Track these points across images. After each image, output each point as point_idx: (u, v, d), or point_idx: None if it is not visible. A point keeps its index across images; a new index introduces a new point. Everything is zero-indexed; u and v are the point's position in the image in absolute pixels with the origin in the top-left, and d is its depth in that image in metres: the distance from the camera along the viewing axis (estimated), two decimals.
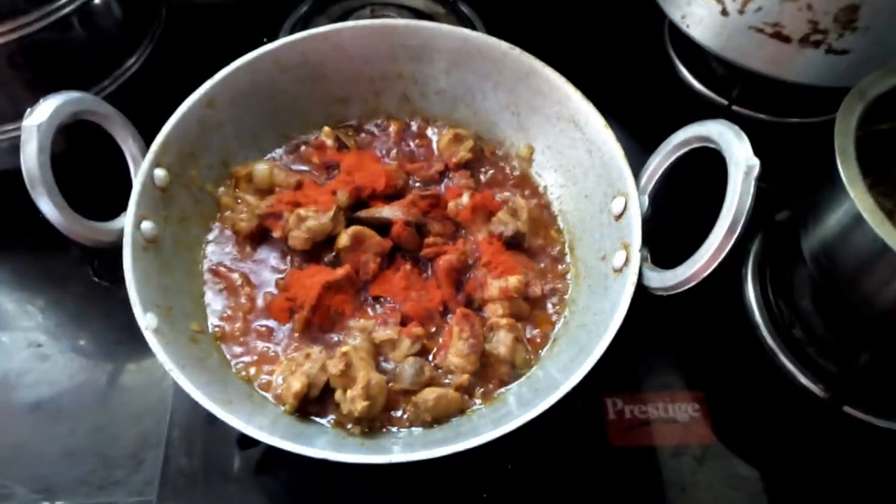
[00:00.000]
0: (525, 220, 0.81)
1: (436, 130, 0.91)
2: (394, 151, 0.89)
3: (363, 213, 0.81)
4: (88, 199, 0.74)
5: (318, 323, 0.75)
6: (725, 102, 0.96)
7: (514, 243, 0.80)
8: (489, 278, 0.76)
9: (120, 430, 0.77)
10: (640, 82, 1.04)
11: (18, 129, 0.69)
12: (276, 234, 0.79)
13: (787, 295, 0.83)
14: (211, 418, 0.62)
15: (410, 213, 0.80)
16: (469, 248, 0.79)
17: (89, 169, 0.84)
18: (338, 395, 0.69)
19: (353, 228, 0.78)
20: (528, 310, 0.77)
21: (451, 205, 0.82)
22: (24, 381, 0.80)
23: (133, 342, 0.67)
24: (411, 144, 0.90)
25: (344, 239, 0.77)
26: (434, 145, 0.90)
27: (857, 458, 0.76)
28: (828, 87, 0.81)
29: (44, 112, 0.68)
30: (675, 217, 0.77)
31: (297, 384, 0.69)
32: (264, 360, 0.74)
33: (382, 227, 0.80)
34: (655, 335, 0.82)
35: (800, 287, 0.83)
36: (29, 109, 0.68)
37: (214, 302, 0.77)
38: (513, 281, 0.75)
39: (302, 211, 0.78)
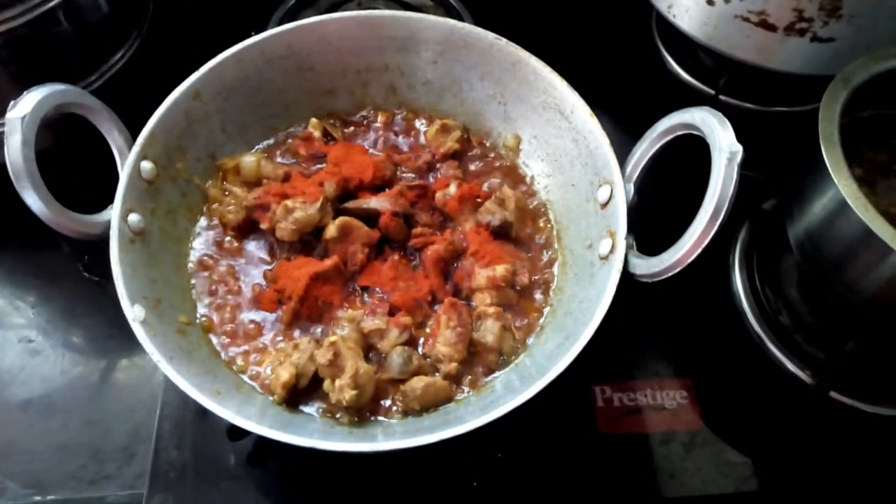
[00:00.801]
0: (512, 209, 0.80)
1: (423, 121, 0.90)
2: (381, 142, 0.89)
3: (351, 204, 0.81)
4: (75, 193, 0.73)
5: (307, 314, 0.75)
6: (712, 92, 0.96)
7: (501, 233, 0.80)
8: (477, 268, 0.76)
9: (111, 425, 0.77)
10: (627, 72, 1.04)
11: (2, 124, 0.69)
12: (264, 225, 0.78)
13: (773, 283, 0.83)
14: (201, 411, 0.62)
15: (398, 204, 0.80)
16: (457, 237, 0.79)
17: (76, 162, 0.83)
18: (326, 384, 0.69)
19: (341, 219, 0.78)
20: (516, 298, 0.77)
21: (438, 195, 0.82)
22: (15, 377, 0.80)
23: (124, 337, 0.67)
24: (399, 135, 0.90)
25: (332, 230, 0.77)
26: (421, 136, 0.89)
27: (845, 443, 0.77)
28: (813, 75, 0.81)
29: (27, 104, 0.67)
30: (661, 205, 0.77)
31: (285, 374, 0.69)
32: (253, 350, 0.74)
33: (370, 217, 0.79)
34: (644, 324, 0.83)
35: (786, 275, 0.84)
36: (12, 102, 0.68)
37: (202, 294, 0.77)
38: (500, 270, 0.75)
39: (289, 202, 0.77)
